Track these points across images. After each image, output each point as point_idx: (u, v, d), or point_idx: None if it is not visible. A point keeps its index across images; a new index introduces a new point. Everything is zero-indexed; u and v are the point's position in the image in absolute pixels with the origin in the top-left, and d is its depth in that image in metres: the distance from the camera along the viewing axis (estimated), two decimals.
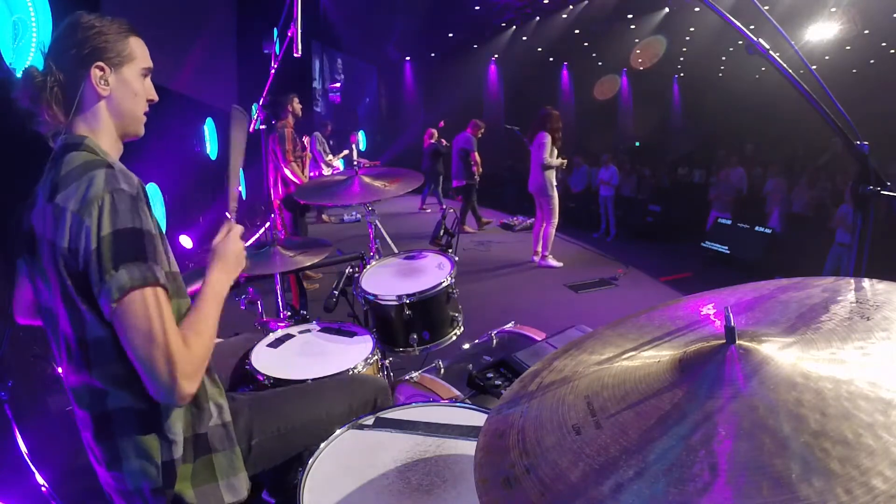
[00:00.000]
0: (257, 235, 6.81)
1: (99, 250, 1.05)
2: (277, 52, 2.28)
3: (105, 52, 1.18)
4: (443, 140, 10.09)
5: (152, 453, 1.17)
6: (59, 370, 1.25)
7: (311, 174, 8.88)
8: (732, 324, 0.67)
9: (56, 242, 1.09)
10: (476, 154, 8.38)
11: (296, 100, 5.36)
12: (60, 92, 1.17)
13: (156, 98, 1.30)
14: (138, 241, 1.08)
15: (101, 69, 1.18)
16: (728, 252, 7.49)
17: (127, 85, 1.23)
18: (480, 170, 8.55)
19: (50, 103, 1.16)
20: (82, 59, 1.17)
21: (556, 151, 6.16)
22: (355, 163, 2.65)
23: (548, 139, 6.08)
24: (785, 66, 1.01)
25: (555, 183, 6.28)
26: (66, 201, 1.08)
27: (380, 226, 2.69)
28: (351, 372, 1.80)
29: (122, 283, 1.04)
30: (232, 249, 1.32)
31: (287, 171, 5.21)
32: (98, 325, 1.11)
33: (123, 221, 1.07)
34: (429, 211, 10.42)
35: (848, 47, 11.39)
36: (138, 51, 1.25)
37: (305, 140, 7.14)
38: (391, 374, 2.23)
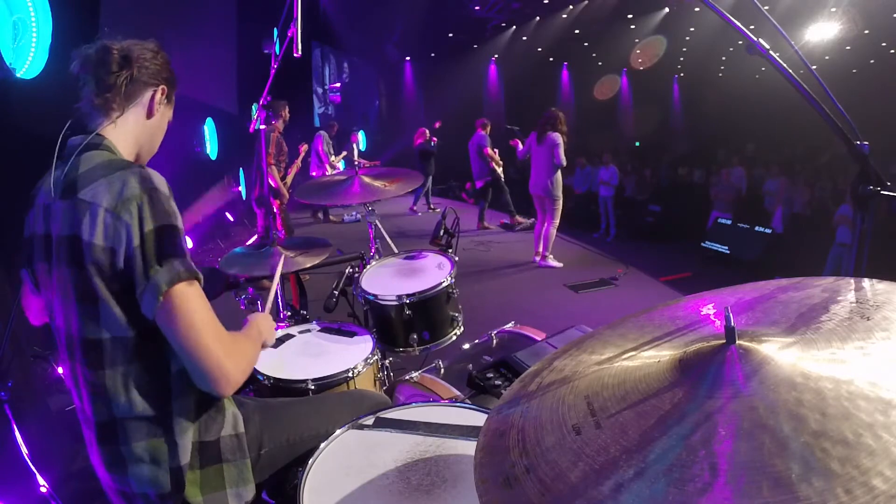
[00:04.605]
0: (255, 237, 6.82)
1: (143, 247, 1.07)
2: (277, 52, 2.27)
3: (170, 84, 1.31)
4: (434, 139, 10.05)
5: (159, 459, 1.17)
6: (60, 370, 1.25)
7: (314, 174, 8.89)
8: (732, 324, 0.67)
9: (83, 238, 1.08)
10: (489, 149, 8.38)
11: (286, 108, 5.67)
12: (126, 87, 1.21)
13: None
14: (178, 238, 1.11)
15: (164, 93, 1.29)
16: (728, 252, 7.49)
17: (164, 120, 1.34)
18: (501, 163, 8.53)
19: (118, 89, 1.20)
20: (158, 76, 1.26)
21: None
22: (355, 163, 2.65)
23: (561, 139, 6.00)
24: (785, 66, 1.01)
25: (561, 184, 6.25)
26: (96, 197, 1.09)
27: (380, 226, 2.69)
28: (351, 372, 1.81)
29: (171, 276, 1.07)
30: (266, 322, 1.42)
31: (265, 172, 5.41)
32: (120, 324, 1.11)
33: (163, 218, 1.09)
34: (419, 214, 10.34)
35: (848, 47, 11.40)
36: (174, 102, 1.37)
37: (302, 149, 7.20)
38: (391, 374, 2.23)
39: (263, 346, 1.37)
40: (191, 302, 1.09)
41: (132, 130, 1.25)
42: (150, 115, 1.27)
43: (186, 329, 1.08)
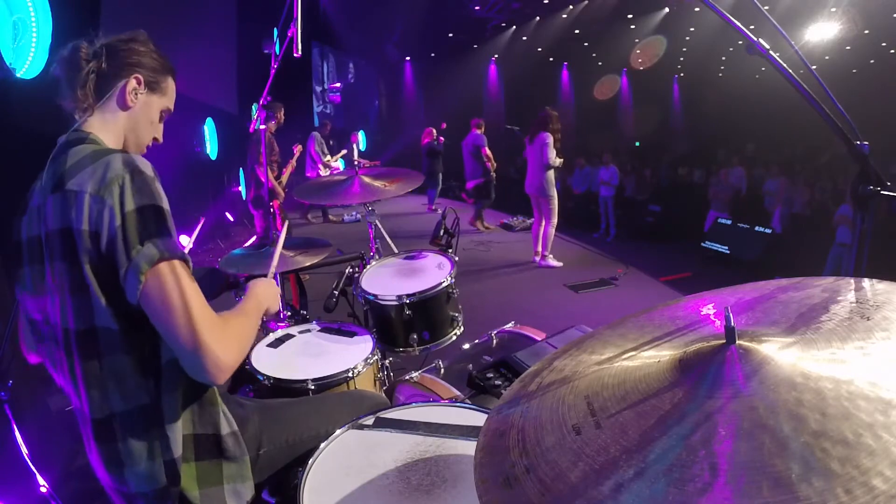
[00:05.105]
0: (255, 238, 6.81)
1: (124, 227, 1.05)
2: (277, 52, 2.27)
3: (148, 71, 1.26)
4: (440, 138, 10.07)
5: (154, 453, 1.16)
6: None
7: (309, 175, 8.89)
8: (732, 324, 0.67)
9: (73, 227, 1.08)
10: (486, 149, 8.38)
11: (282, 109, 5.72)
12: (95, 80, 1.20)
13: (161, 140, 1.35)
14: (161, 217, 1.09)
15: (139, 82, 1.25)
16: (728, 252, 7.49)
17: (149, 110, 1.29)
18: (495, 164, 8.52)
19: (84, 85, 1.19)
20: (129, 65, 1.23)
21: (555, 151, 6.18)
22: (355, 163, 2.65)
23: (550, 139, 6.07)
24: (785, 66, 1.01)
25: (554, 183, 6.29)
26: (82, 185, 1.08)
27: (380, 226, 2.69)
28: (351, 372, 1.81)
29: (151, 256, 1.04)
30: (267, 288, 1.39)
31: (258, 172, 5.43)
32: (108, 315, 1.09)
33: (145, 198, 1.08)
34: (438, 211, 10.26)
35: (848, 47, 11.40)
36: (170, 91, 1.33)
37: (296, 149, 7.20)
38: (391, 374, 2.23)
39: (267, 314, 1.35)
40: (174, 283, 1.05)
41: (111, 124, 1.24)
42: (124, 106, 1.24)
43: (170, 312, 1.04)
